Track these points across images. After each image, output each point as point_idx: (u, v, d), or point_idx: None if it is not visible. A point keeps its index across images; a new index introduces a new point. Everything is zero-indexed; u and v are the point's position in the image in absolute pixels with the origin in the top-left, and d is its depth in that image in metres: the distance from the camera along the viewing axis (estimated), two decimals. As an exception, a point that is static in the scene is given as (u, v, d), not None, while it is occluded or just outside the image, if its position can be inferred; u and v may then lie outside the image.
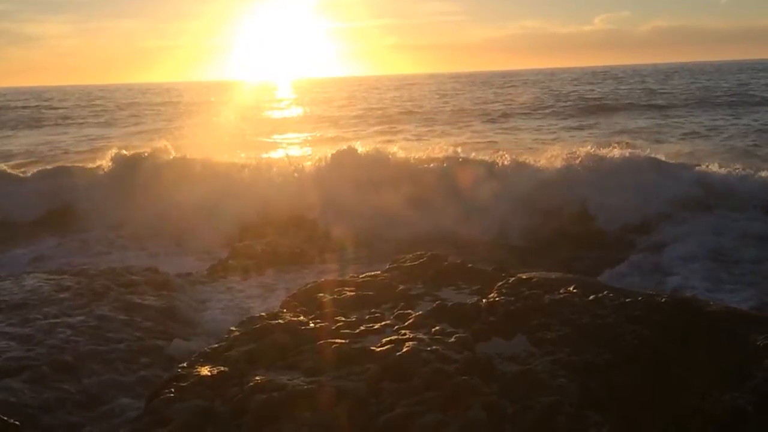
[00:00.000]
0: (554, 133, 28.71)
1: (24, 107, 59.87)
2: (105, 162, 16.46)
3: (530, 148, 22.00)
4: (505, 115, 37.62)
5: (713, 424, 3.41)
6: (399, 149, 16.07)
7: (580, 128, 30.44)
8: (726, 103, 39.21)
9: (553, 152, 15.03)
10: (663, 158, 15.24)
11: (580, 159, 14.31)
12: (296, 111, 49.08)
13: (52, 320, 6.72)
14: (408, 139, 28.02)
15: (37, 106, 60.61)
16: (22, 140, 32.69)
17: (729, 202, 13.05)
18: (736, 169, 14.44)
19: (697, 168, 14.66)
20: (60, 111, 54.05)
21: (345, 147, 15.39)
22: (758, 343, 3.99)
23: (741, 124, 29.14)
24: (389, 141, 25.85)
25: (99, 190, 15.22)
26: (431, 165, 15.05)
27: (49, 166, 18.42)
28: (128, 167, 15.75)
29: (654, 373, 3.81)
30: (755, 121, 30.13)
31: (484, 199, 13.06)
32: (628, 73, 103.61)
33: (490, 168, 14.72)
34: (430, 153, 15.74)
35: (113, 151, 16.69)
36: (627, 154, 14.79)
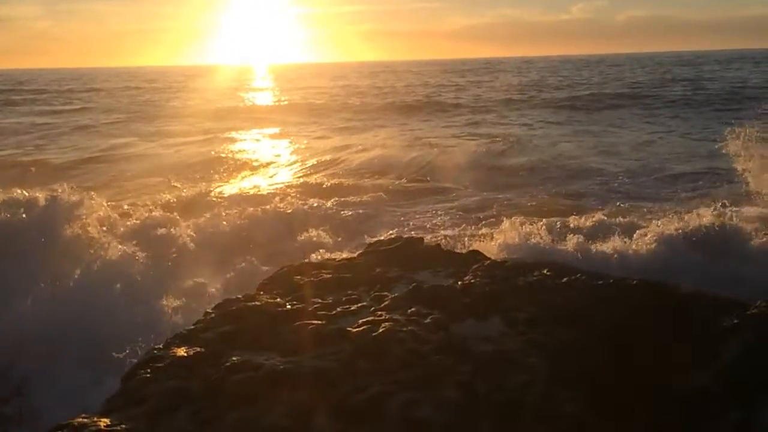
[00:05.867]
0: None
1: None
2: None
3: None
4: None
5: (678, 401, 3.51)
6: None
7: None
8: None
9: None
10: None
11: None
12: (268, 99, 47.97)
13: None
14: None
15: None
16: None
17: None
18: None
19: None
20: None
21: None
22: (725, 325, 4.09)
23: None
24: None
25: None
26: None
27: None
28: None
29: (623, 353, 3.89)
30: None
31: None
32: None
33: None
34: None
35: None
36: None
